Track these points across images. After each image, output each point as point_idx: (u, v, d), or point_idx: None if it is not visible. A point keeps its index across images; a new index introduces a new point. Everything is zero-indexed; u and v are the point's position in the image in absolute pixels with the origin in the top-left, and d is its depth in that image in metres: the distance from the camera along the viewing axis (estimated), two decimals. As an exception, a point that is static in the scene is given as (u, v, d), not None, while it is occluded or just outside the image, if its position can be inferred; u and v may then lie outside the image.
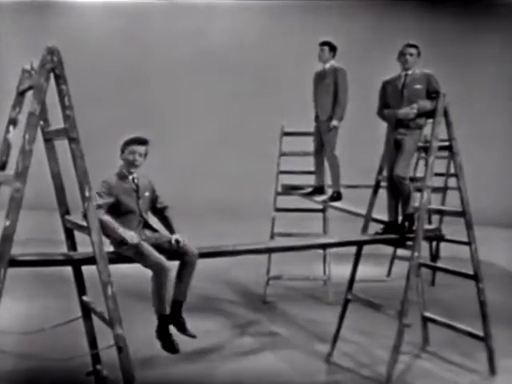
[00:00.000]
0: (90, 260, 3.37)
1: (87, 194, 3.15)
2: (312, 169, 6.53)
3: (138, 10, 10.48)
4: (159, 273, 3.52)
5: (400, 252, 7.80)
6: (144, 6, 10.45)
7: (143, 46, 10.42)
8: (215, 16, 10.32)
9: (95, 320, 3.77)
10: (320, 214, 7.13)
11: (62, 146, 3.56)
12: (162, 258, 3.57)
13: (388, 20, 9.69)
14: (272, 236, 6.82)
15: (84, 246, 3.67)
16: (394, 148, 4.59)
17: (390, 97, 4.62)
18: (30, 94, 3.35)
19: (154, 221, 3.96)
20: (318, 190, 6.25)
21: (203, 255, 3.71)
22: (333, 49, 5.93)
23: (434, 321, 5.03)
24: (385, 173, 4.81)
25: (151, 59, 10.35)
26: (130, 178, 3.81)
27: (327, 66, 5.95)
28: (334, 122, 5.84)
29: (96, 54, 10.41)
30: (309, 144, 6.62)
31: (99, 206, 3.56)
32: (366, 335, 5.41)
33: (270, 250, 3.89)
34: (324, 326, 5.72)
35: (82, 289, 3.88)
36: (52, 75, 3.07)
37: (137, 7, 10.46)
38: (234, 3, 10.16)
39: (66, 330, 3.75)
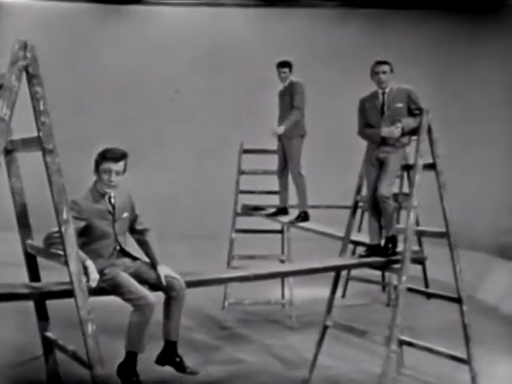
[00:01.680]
0: (64, 293, 2.81)
1: (65, 216, 2.60)
2: (271, 188, 6.21)
3: (137, 10, 10.08)
4: (143, 308, 2.97)
5: (354, 272, 7.55)
6: (145, 7, 10.06)
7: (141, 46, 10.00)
8: (213, 17, 10.00)
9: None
10: (274, 235, 6.79)
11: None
12: (145, 291, 3.03)
13: (386, 26, 9.62)
14: (232, 258, 6.39)
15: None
16: (378, 167, 4.26)
17: (370, 116, 4.31)
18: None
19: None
20: (282, 210, 5.87)
21: (189, 285, 3.19)
22: (291, 67, 5.63)
23: (410, 344, 4.71)
24: (363, 193, 4.49)
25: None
26: (106, 197, 3.22)
27: (287, 83, 5.65)
28: (278, 129, 5.45)
29: (95, 54, 9.84)
30: (268, 162, 6.34)
31: None
32: (341, 360, 5.03)
33: (257, 278, 3.44)
34: (292, 351, 5.34)
35: (44, 323, 3.28)
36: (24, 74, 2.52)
37: (136, 8, 10.04)
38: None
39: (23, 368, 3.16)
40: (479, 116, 9.24)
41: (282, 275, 3.75)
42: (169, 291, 3.16)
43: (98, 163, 3.19)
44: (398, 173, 4.28)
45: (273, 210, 5.96)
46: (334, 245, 7.47)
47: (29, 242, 3.11)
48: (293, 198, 5.85)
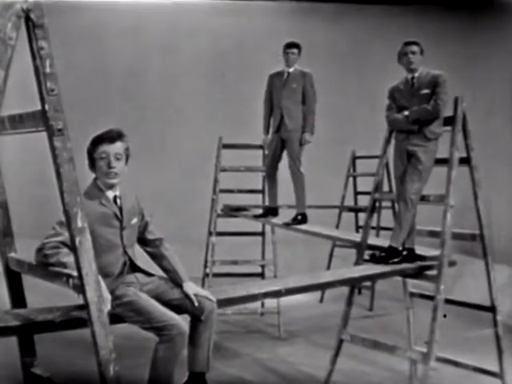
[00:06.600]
0: (65, 324, 2.02)
1: (79, 223, 1.80)
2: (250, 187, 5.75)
3: (138, 9, 9.21)
4: (173, 340, 2.23)
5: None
6: (144, 6, 9.19)
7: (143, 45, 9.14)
8: (216, 16, 9.27)
9: None
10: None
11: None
12: (175, 316, 2.28)
13: (389, 22, 9.15)
14: (212, 263, 5.65)
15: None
16: (407, 162, 3.67)
17: (401, 103, 3.73)
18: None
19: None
20: (271, 211, 5.18)
21: (220, 304, 2.48)
22: (300, 50, 4.92)
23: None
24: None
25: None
26: (110, 196, 2.44)
27: (291, 69, 4.94)
28: (309, 137, 4.82)
29: (95, 52, 8.90)
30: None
31: (63, 244, 2.19)
32: (347, 375, 4.41)
33: (289, 292, 2.77)
34: (289, 365, 4.67)
35: (29, 357, 2.46)
36: (23, 22, 1.72)
37: (137, 7, 9.17)
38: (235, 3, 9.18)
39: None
40: (480, 115, 8.95)
41: (315, 288, 3.12)
42: (199, 314, 2.43)
43: (91, 152, 2.41)
44: (430, 172, 3.66)
45: (261, 211, 5.28)
46: (317, 248, 7.01)
47: (12, 255, 2.29)
48: (280, 199, 5.24)
